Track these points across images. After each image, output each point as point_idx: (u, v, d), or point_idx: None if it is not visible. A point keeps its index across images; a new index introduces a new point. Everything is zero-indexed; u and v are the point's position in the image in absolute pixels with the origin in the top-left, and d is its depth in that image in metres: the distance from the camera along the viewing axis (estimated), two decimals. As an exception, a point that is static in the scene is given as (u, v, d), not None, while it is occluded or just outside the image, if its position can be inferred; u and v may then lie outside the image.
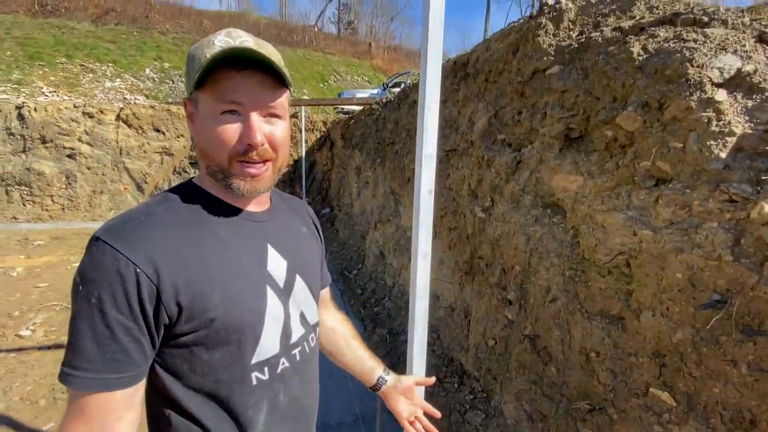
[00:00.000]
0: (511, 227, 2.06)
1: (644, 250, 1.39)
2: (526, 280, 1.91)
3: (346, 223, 5.97)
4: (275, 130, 0.63)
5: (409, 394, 0.94)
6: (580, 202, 1.71)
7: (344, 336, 0.96)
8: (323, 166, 8.32)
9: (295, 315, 0.70)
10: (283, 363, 0.67)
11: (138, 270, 0.54)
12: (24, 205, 7.38)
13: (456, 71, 3.05)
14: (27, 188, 7.38)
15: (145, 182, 8.00)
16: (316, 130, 8.66)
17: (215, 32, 0.64)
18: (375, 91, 9.60)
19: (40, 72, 10.89)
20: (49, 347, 2.92)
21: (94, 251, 0.55)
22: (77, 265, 0.57)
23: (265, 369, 0.64)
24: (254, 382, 0.63)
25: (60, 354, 2.80)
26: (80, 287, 0.54)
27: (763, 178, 1.19)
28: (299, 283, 0.72)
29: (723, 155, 1.26)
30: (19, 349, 2.86)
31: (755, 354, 1.10)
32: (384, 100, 5.00)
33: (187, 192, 0.66)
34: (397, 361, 2.53)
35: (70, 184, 7.56)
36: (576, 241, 1.69)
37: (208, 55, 0.58)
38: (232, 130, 0.59)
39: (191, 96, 0.63)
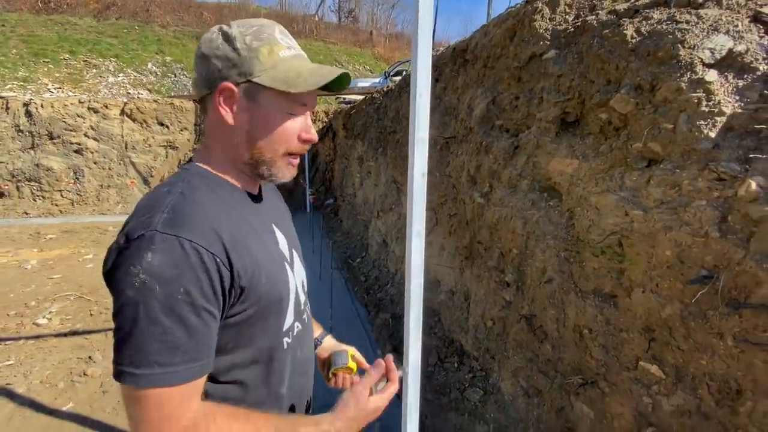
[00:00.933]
0: (509, 211, 2.10)
1: (635, 229, 1.42)
2: (523, 263, 1.95)
3: (349, 213, 6.03)
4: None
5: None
6: (575, 185, 1.74)
7: None
8: (326, 157, 8.35)
9: (299, 284, 0.78)
10: (297, 326, 0.76)
11: (218, 260, 0.56)
12: (34, 200, 7.53)
13: (455, 58, 3.06)
14: (37, 184, 7.52)
15: (151, 176, 8.10)
16: (318, 120, 8.67)
17: (266, 23, 0.66)
18: (377, 80, 9.54)
19: (45, 69, 10.97)
20: (65, 334, 3.03)
21: (164, 247, 0.53)
22: (120, 262, 0.53)
23: (290, 333, 0.73)
24: (285, 345, 0.71)
25: (76, 340, 2.89)
26: (157, 287, 0.52)
27: (751, 156, 1.21)
28: (295, 255, 0.80)
29: (712, 135, 1.28)
30: (37, 337, 2.98)
31: (741, 326, 1.14)
32: (385, 89, 5.01)
33: (207, 179, 0.67)
34: (399, 344, 2.60)
35: (78, 179, 7.69)
36: (571, 223, 1.73)
37: (281, 54, 0.64)
38: (295, 128, 0.67)
39: (243, 84, 0.63)
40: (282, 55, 0.64)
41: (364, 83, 8.68)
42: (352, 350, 0.95)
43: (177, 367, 0.53)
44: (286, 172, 0.70)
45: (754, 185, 1.15)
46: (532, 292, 1.86)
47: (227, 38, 0.63)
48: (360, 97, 6.32)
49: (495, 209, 2.24)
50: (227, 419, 0.58)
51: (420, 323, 1.17)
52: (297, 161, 0.71)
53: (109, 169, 7.85)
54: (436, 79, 3.29)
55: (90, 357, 2.69)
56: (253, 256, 0.62)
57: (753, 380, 1.10)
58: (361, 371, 0.89)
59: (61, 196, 7.62)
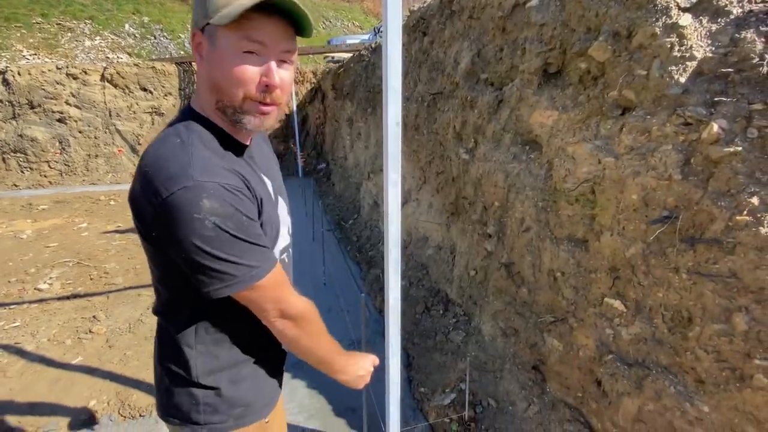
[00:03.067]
0: (492, 166, 2.15)
1: (607, 176, 1.48)
2: (504, 215, 2.03)
3: (341, 176, 6.04)
4: (286, 76, 0.68)
5: None
6: (554, 137, 1.78)
7: None
8: (316, 120, 8.21)
9: (284, 230, 0.84)
10: (285, 259, 0.87)
11: (249, 195, 0.66)
12: (22, 172, 7.43)
13: (443, 9, 2.97)
14: (23, 155, 7.39)
15: (139, 144, 7.96)
16: (306, 81, 8.42)
17: None
18: (366, 37, 9.18)
19: (18, 34, 10.43)
20: (68, 297, 3.14)
21: (213, 193, 0.59)
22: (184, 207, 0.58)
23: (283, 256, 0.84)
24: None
25: (78, 302, 3.00)
26: (227, 222, 0.60)
27: (717, 99, 1.25)
28: (281, 201, 0.85)
29: (683, 80, 1.31)
30: (40, 300, 3.08)
31: (694, 260, 1.23)
32: (373, 45, 4.86)
33: (205, 127, 0.69)
34: (390, 297, 2.74)
35: (64, 149, 7.55)
36: (549, 174, 1.79)
37: None
38: (252, 71, 0.63)
39: (205, 28, 0.64)
40: None
41: (353, 40, 8.36)
42: None
43: (269, 255, 0.69)
44: (255, 121, 0.67)
45: (716, 127, 1.20)
46: (512, 241, 1.95)
47: None
48: (348, 55, 6.12)
49: (479, 164, 2.28)
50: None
51: (398, 266, 1.25)
52: (269, 110, 0.68)
53: (95, 137, 7.69)
54: (423, 33, 3.21)
55: (94, 317, 2.81)
56: (258, 194, 0.70)
57: (702, 308, 1.21)
58: None
59: (49, 166, 7.51)
